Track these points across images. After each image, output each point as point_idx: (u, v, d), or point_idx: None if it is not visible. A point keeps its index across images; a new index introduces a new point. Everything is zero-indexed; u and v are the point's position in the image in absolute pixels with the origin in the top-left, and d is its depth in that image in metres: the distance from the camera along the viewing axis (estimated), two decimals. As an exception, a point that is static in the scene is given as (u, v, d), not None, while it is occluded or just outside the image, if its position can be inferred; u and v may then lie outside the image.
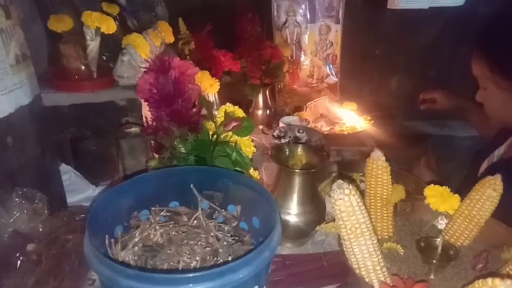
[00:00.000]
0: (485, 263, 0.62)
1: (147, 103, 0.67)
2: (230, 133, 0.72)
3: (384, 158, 0.68)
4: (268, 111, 1.51)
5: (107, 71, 0.94)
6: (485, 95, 0.90)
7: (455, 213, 0.69)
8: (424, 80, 1.62)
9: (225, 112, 0.72)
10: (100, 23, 0.83)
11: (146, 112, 0.73)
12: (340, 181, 0.54)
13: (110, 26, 0.86)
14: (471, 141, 1.56)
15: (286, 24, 1.55)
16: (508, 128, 0.94)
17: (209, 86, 1.24)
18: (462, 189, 1.09)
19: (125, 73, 0.88)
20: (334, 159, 1.26)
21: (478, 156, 1.14)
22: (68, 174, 0.95)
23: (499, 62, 0.83)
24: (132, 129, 0.75)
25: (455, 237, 0.68)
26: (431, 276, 0.62)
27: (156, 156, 0.72)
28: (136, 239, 0.57)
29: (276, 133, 1.15)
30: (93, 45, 0.86)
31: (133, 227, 0.60)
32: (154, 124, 0.69)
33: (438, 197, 0.72)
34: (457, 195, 0.72)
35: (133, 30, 1.43)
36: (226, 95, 1.36)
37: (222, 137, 0.72)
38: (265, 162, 1.20)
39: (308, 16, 1.55)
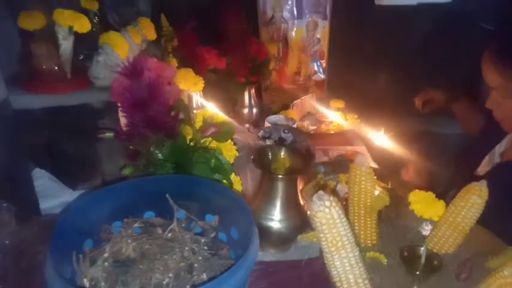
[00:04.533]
0: (469, 272, 0.60)
1: (120, 108, 0.64)
2: (209, 138, 0.69)
3: (368, 164, 0.66)
4: (254, 110, 1.48)
5: (83, 71, 0.90)
6: (502, 103, 0.86)
7: (439, 220, 0.67)
8: (413, 77, 1.60)
9: (203, 117, 0.68)
10: (73, 22, 0.79)
11: (121, 116, 0.69)
12: (320, 192, 0.52)
13: (83, 25, 0.81)
14: (457, 138, 1.55)
15: (273, 21, 1.52)
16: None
17: (193, 84, 1.21)
18: (452, 187, 1.09)
19: (101, 74, 0.84)
20: (321, 159, 1.24)
21: (469, 152, 1.13)
22: (43, 179, 0.92)
23: None
24: (106, 134, 0.71)
25: (439, 244, 0.66)
26: (415, 287, 0.60)
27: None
28: (106, 254, 0.54)
29: (261, 134, 1.13)
30: (66, 44, 0.82)
31: (104, 240, 0.57)
32: (128, 130, 0.65)
33: (423, 203, 0.70)
34: (441, 201, 0.70)
35: (115, 26, 1.38)
36: (211, 93, 1.33)
37: (201, 142, 0.69)
38: (251, 164, 1.18)
39: (295, 12, 1.52)
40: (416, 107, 1.29)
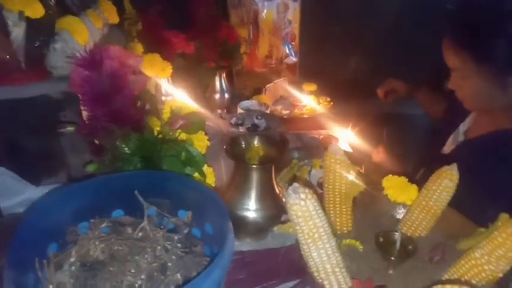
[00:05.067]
0: (442, 255, 0.62)
1: (81, 101, 0.59)
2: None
3: (342, 152, 0.65)
4: (226, 95, 1.44)
5: (40, 60, 0.83)
6: (463, 84, 0.87)
7: (412, 204, 0.68)
8: (384, 59, 1.61)
9: (171, 109, 0.65)
10: (23, 6, 0.73)
11: (83, 110, 0.65)
12: (295, 185, 0.51)
13: (36, 10, 0.75)
14: (425, 118, 1.58)
15: (242, 2, 1.47)
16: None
17: (161, 70, 1.16)
18: (420, 166, 1.12)
19: (59, 63, 0.78)
20: (294, 144, 1.23)
21: (436, 132, 1.16)
22: (2, 177, 0.86)
23: (485, 53, 0.80)
24: (67, 129, 0.67)
25: (413, 228, 0.67)
26: (390, 271, 0.61)
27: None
28: (73, 258, 0.51)
29: (233, 120, 1.10)
30: (17, 31, 0.75)
31: (70, 243, 0.54)
32: (91, 124, 0.61)
33: (396, 188, 0.71)
34: (414, 185, 0.71)
35: (73, 9, 1.30)
36: (180, 79, 1.29)
37: (170, 134, 0.66)
38: (224, 151, 1.15)
39: (265, -7, 1.47)
40: (382, 97, 1.31)
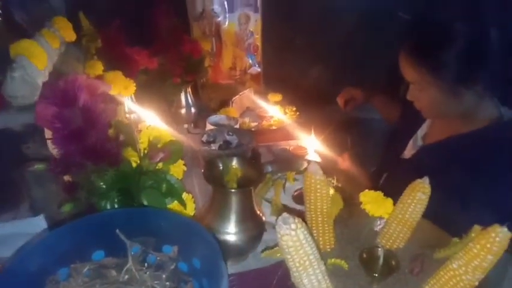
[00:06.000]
0: (421, 266, 0.65)
1: (51, 140, 0.56)
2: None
3: (321, 172, 0.66)
4: (192, 109, 1.42)
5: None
6: (420, 95, 0.91)
7: (389, 217, 0.71)
8: (343, 67, 1.66)
9: (149, 140, 0.63)
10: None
11: (52, 146, 0.61)
12: (285, 215, 0.51)
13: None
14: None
15: (204, 15, 1.46)
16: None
17: (124, 88, 1.12)
18: (382, 170, 1.16)
19: (19, 92, 0.73)
20: (266, 158, 1.24)
21: (395, 137, 1.21)
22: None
23: (440, 65, 0.84)
24: (37, 167, 0.62)
25: (391, 240, 0.70)
26: (375, 286, 0.63)
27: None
28: (55, 311, 0.48)
29: (204, 138, 1.08)
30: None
31: (50, 293, 0.51)
32: (63, 161, 0.58)
33: (373, 203, 0.73)
34: (390, 199, 0.74)
35: (24, 26, 1.22)
36: (144, 96, 1.25)
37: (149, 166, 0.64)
38: (196, 169, 1.13)
39: (226, 5, 1.47)
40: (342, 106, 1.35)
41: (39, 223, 0.82)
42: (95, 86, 0.64)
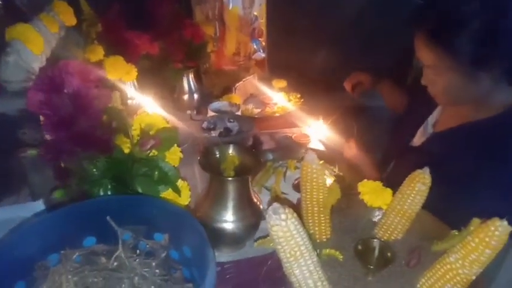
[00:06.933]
0: (418, 258, 0.63)
1: (42, 124, 0.55)
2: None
3: (318, 161, 0.65)
4: (195, 95, 1.40)
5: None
6: (436, 80, 0.88)
7: (388, 208, 0.69)
8: (351, 51, 1.62)
9: (141, 127, 0.62)
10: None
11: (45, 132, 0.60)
12: (275, 205, 0.50)
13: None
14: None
15: (207, -1, 1.43)
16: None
17: (125, 74, 1.11)
18: (390, 159, 1.14)
19: (13, 77, 0.73)
20: (268, 145, 1.22)
21: (403, 124, 1.18)
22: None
23: (458, 49, 0.80)
24: (29, 152, 0.62)
25: (389, 232, 0.69)
26: (370, 278, 0.62)
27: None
28: (44, 297, 0.48)
29: (205, 125, 1.07)
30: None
31: (39, 278, 0.51)
32: (54, 147, 0.57)
33: (372, 193, 0.72)
34: (389, 189, 0.72)
35: (23, 10, 1.21)
36: (146, 81, 1.24)
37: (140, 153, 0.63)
38: (197, 156, 1.12)
39: (229, -11, 1.44)
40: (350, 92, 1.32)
41: (39, 208, 0.83)
42: (88, 71, 0.62)
